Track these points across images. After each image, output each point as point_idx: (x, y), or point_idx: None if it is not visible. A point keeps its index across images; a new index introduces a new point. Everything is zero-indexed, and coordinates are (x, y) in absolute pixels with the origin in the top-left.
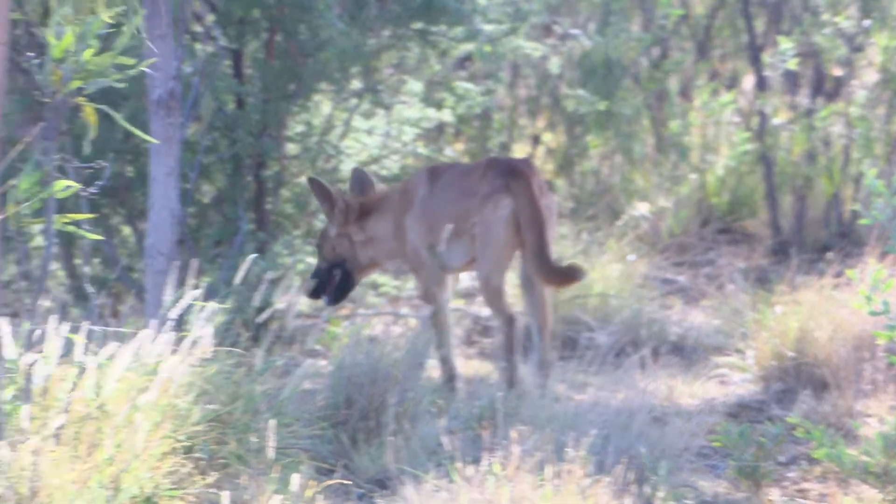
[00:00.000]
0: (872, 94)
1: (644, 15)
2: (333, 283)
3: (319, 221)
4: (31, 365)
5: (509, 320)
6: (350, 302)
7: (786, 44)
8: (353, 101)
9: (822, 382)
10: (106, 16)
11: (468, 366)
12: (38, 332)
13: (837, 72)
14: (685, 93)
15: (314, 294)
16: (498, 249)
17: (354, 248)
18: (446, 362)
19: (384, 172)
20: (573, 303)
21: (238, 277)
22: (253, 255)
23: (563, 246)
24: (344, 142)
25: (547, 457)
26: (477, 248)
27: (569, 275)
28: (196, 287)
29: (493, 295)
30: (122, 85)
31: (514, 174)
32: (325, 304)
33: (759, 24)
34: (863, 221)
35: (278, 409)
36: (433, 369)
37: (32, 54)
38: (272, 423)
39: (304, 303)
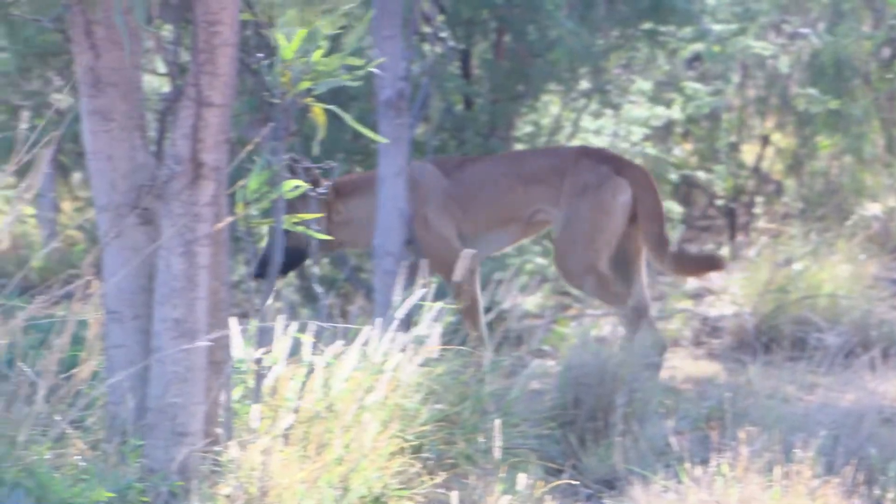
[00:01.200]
0: None
1: (874, 15)
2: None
3: None
4: (261, 365)
5: (622, 300)
6: (578, 302)
7: None
8: (582, 101)
9: None
10: (334, 18)
11: (696, 366)
12: (267, 333)
13: None
14: None
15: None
16: (611, 235)
17: (330, 228)
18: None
19: None
20: (802, 303)
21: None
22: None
23: (792, 246)
24: (572, 142)
25: (775, 458)
26: (572, 233)
27: (708, 263)
28: (424, 287)
29: (602, 281)
30: (355, 84)
31: (621, 162)
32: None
33: None
34: None
35: (506, 410)
36: (662, 370)
37: (262, 55)
38: (500, 423)
39: (530, 303)
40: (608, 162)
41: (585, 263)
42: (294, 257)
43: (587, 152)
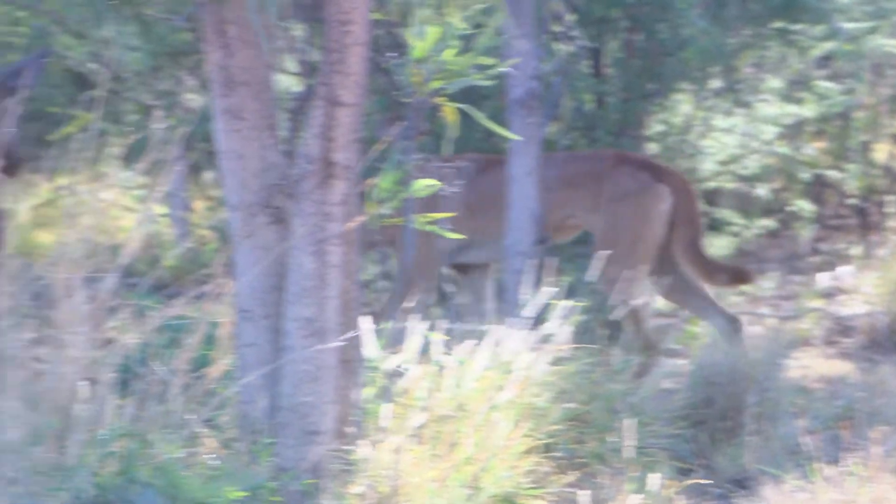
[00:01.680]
0: None
1: None
2: None
3: None
4: (392, 364)
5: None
6: None
7: None
8: (713, 99)
9: None
10: (466, 18)
11: (828, 365)
12: (398, 332)
13: None
14: None
15: None
16: (651, 243)
17: None
18: None
19: (744, 172)
20: None
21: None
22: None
23: None
24: (703, 141)
25: None
26: (613, 241)
27: (738, 276)
28: (555, 286)
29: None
30: (487, 83)
31: (661, 168)
32: None
33: None
34: None
35: (637, 409)
36: (793, 370)
37: (393, 54)
38: (630, 422)
39: (661, 302)
40: (648, 168)
41: (625, 271)
42: None
43: (626, 158)
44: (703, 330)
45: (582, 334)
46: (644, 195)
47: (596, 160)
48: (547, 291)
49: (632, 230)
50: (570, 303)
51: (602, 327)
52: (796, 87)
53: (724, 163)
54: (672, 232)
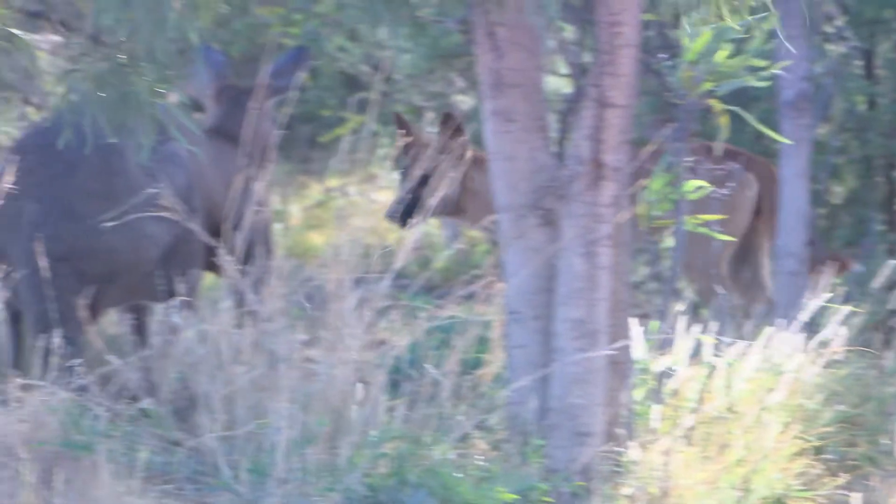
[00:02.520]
0: None
1: None
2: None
3: None
4: (662, 365)
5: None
6: None
7: None
8: None
9: None
10: (739, 19)
11: None
12: (669, 334)
13: None
14: None
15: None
16: (736, 231)
17: (461, 194)
18: None
19: None
20: None
21: (875, 281)
22: (892, 262)
23: None
24: None
25: None
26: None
27: (831, 262)
28: (828, 289)
29: (716, 279)
30: (760, 84)
31: (748, 157)
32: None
33: None
34: None
35: None
36: None
37: (665, 56)
38: None
39: None
40: (734, 157)
41: (710, 260)
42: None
43: (711, 147)
44: None
45: (856, 337)
46: (731, 183)
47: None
48: (821, 294)
49: (731, 216)
50: (846, 306)
51: (877, 331)
52: None
53: None
54: (759, 220)
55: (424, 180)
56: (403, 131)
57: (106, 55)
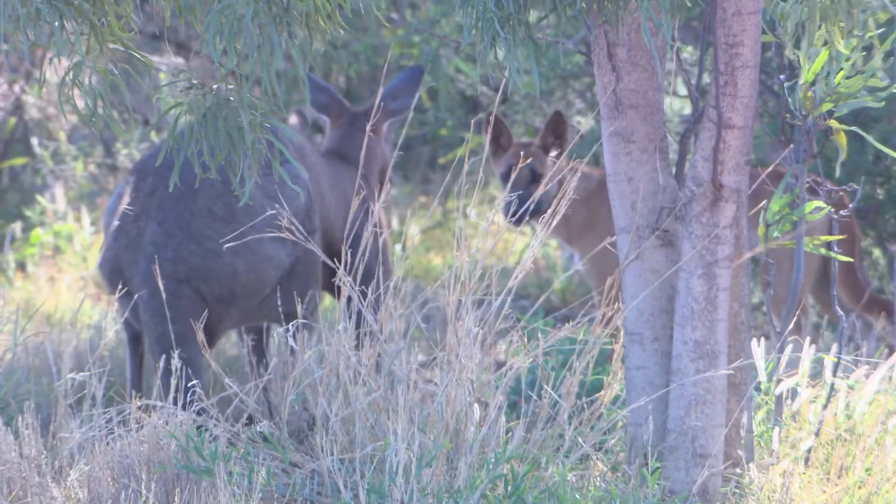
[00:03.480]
0: None
1: None
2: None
3: None
4: (782, 387)
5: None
6: None
7: None
8: None
9: None
10: (857, 41)
11: None
12: (789, 355)
13: None
14: None
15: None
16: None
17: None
18: None
19: None
20: None
21: None
22: None
23: None
24: None
25: None
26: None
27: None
28: None
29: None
30: (877, 105)
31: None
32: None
33: None
34: None
35: None
36: None
37: (783, 77)
38: None
39: None
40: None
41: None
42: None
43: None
44: None
45: None
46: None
47: None
48: None
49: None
50: None
51: None
52: None
53: None
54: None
55: (534, 177)
56: (496, 131)
57: (211, 90)
